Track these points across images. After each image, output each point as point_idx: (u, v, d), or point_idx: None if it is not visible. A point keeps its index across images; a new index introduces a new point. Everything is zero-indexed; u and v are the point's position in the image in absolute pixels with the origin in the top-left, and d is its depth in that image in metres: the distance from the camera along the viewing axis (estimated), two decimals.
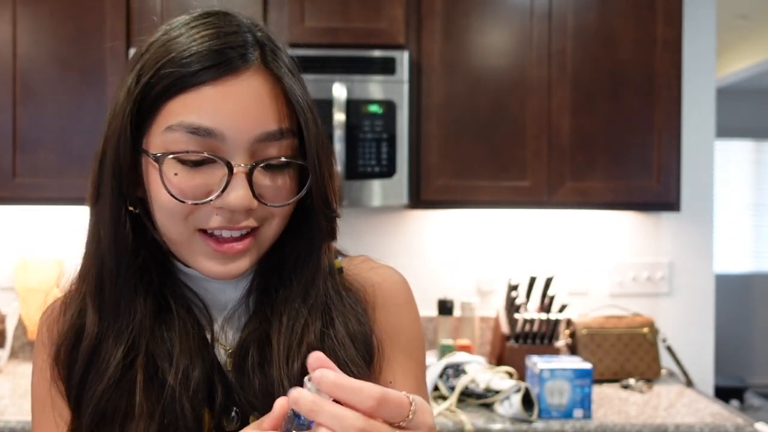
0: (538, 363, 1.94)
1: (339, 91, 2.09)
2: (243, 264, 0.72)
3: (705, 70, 2.57)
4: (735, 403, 5.11)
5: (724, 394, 4.69)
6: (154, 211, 0.71)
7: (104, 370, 0.71)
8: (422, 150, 2.22)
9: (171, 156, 0.67)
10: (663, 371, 2.42)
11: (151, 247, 0.74)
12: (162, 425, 0.70)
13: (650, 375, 2.31)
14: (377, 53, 2.15)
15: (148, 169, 0.70)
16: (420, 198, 2.23)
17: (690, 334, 2.57)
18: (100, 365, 0.72)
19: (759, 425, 1.89)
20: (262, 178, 0.69)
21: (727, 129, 5.48)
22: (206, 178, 0.68)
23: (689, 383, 2.36)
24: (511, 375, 2.12)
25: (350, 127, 2.11)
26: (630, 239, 2.57)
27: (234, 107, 0.67)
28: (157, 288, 0.74)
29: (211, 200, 0.68)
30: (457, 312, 2.49)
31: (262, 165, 0.69)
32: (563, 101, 2.23)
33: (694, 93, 2.55)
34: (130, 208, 0.72)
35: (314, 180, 0.71)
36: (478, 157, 2.22)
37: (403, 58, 2.14)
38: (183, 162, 0.67)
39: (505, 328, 2.30)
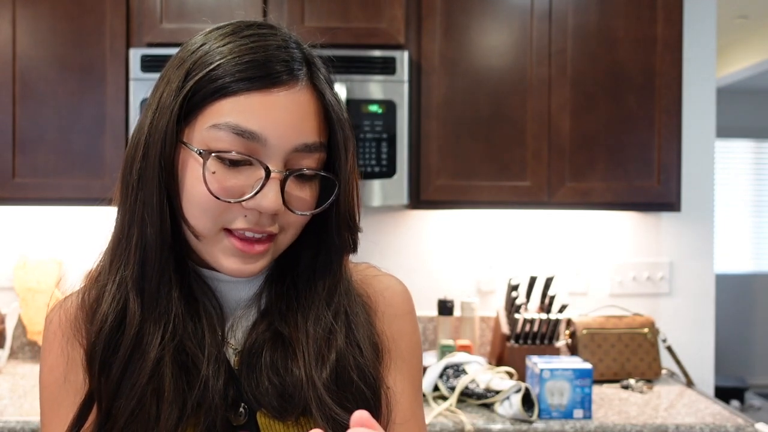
0: (538, 363, 1.94)
1: (339, 91, 2.09)
2: (260, 265, 0.75)
3: (705, 70, 2.57)
4: (735, 403, 5.10)
5: (724, 394, 4.69)
6: (183, 203, 0.73)
7: (145, 358, 0.72)
8: (422, 150, 2.21)
9: (214, 154, 0.70)
10: (663, 371, 2.41)
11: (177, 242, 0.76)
12: (191, 411, 0.72)
13: (650, 375, 2.31)
14: (377, 53, 2.14)
15: (187, 163, 0.73)
16: (420, 198, 2.22)
17: (690, 334, 2.57)
18: (142, 352, 0.73)
19: (759, 425, 1.89)
20: (292, 186, 0.73)
21: (727, 129, 5.48)
22: (242, 179, 0.71)
23: (689, 383, 2.36)
24: (511, 375, 2.12)
25: None
26: (630, 239, 2.57)
27: (280, 116, 0.71)
28: (186, 280, 0.77)
29: (244, 200, 0.71)
30: (457, 312, 2.49)
31: (295, 174, 0.73)
32: (563, 101, 2.23)
33: (694, 93, 2.55)
34: None
35: (343, 195, 0.77)
36: (478, 157, 2.22)
37: (403, 58, 2.14)
38: (222, 161, 0.71)
39: (505, 328, 2.30)
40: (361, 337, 0.79)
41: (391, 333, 0.83)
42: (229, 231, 0.73)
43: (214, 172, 0.71)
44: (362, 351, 0.78)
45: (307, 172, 0.74)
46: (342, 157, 0.76)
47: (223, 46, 0.73)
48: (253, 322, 0.79)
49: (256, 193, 0.71)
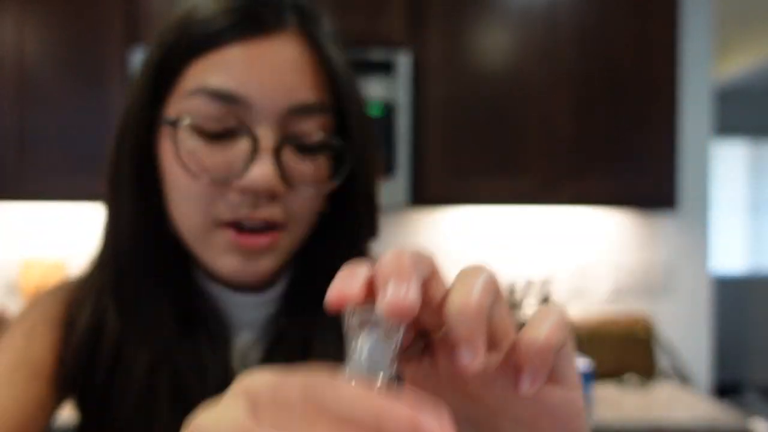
0: None
1: None
2: (266, 264, 0.61)
3: (703, 70, 2.58)
4: (732, 402, 5.12)
5: (721, 393, 4.71)
6: (170, 197, 0.61)
7: (131, 379, 0.62)
8: (422, 150, 2.23)
9: (188, 122, 0.58)
10: (661, 370, 2.43)
11: (176, 250, 0.65)
12: None
13: (648, 374, 2.33)
14: (377, 53, 2.16)
15: (164, 146, 0.60)
16: (420, 198, 2.24)
17: (688, 334, 2.58)
18: (126, 372, 0.62)
19: (755, 424, 1.91)
20: (293, 160, 0.59)
21: (725, 129, 5.49)
22: (227, 155, 0.58)
23: (687, 382, 2.38)
24: None
25: None
26: (629, 239, 2.59)
27: (264, 71, 0.57)
28: (183, 296, 0.65)
29: (230, 177, 0.57)
30: None
31: (293, 143, 0.59)
32: (563, 101, 2.24)
33: (692, 93, 2.56)
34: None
35: (360, 168, 0.62)
36: (478, 157, 2.24)
37: (403, 58, 2.15)
38: (201, 134, 0.58)
39: None
40: None
41: None
42: (223, 226, 0.60)
43: (193, 150, 0.58)
44: None
45: (307, 140, 0.59)
46: (354, 120, 0.61)
47: (197, 3, 0.60)
48: (267, 348, 0.66)
49: (245, 168, 0.57)
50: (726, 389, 5.04)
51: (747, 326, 6.14)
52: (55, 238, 2.47)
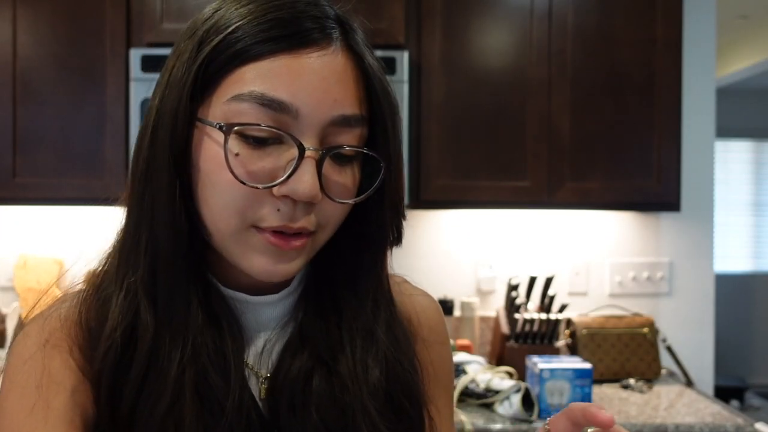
0: (538, 363, 1.94)
1: None
2: (296, 265, 0.63)
3: (705, 70, 2.57)
4: (735, 403, 5.11)
5: (724, 394, 4.69)
6: (203, 196, 0.61)
7: (165, 379, 0.61)
8: (422, 150, 2.22)
9: (237, 127, 0.58)
10: (663, 371, 2.41)
11: (199, 250, 0.65)
12: None
13: (650, 375, 2.31)
14: (377, 53, 2.14)
15: (205, 146, 0.61)
16: (420, 198, 2.22)
17: (690, 334, 2.57)
18: (160, 372, 0.62)
19: (759, 425, 1.89)
20: (329, 170, 0.61)
21: (727, 129, 5.48)
22: (271, 161, 0.59)
23: (689, 383, 2.36)
24: (511, 375, 2.12)
25: None
26: (630, 239, 2.57)
27: (313, 82, 0.59)
28: (207, 297, 0.65)
29: (275, 185, 0.59)
30: (457, 312, 2.49)
31: (333, 153, 0.61)
32: (563, 101, 2.23)
33: (694, 93, 2.55)
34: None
35: (390, 178, 0.65)
36: (478, 157, 2.22)
37: (403, 58, 2.14)
38: (246, 139, 0.59)
39: (505, 328, 2.30)
40: (402, 353, 0.70)
41: (433, 359, 0.75)
42: (259, 229, 0.61)
43: (237, 154, 0.59)
44: (408, 370, 0.69)
45: (347, 150, 0.61)
46: (390, 133, 0.65)
47: (243, 7, 0.61)
48: (287, 347, 0.68)
49: (289, 176, 0.58)
50: (727, 390, 5.02)
51: (749, 325, 6.12)
52: (51, 239, 2.46)
